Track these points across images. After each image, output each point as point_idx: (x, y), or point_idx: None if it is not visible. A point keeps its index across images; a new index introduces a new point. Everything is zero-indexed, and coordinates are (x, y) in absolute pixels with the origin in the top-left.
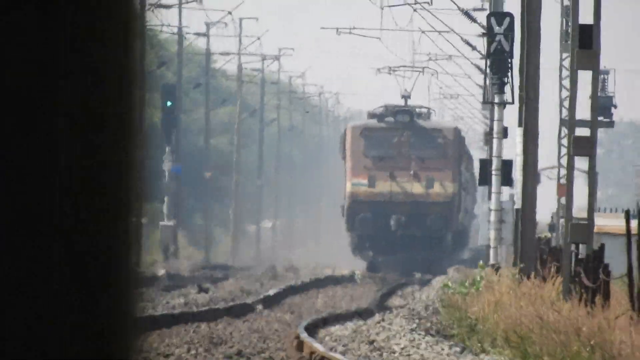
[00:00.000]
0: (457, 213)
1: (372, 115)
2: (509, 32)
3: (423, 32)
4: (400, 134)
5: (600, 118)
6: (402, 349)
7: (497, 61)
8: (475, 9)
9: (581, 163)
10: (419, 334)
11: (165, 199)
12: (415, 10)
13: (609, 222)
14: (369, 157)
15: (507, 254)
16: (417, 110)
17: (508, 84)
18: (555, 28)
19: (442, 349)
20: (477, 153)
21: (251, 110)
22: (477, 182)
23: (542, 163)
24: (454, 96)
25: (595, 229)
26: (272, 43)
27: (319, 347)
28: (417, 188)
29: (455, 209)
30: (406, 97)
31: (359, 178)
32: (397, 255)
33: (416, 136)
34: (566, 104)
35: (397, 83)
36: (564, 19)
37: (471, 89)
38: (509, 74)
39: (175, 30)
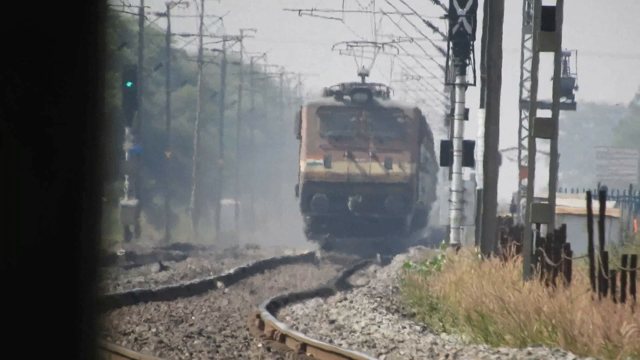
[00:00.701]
0: (416, 194)
1: (328, 93)
2: (471, 14)
3: (385, 13)
4: (358, 113)
5: (562, 100)
6: (363, 327)
7: (459, 43)
8: None
9: (542, 144)
10: (380, 313)
11: (126, 179)
12: None
13: (570, 202)
14: (325, 136)
15: (468, 234)
16: (376, 88)
17: (470, 66)
18: (517, 9)
19: (403, 328)
20: (439, 135)
21: (212, 94)
22: (439, 162)
23: (503, 144)
24: (416, 78)
25: (557, 210)
26: (234, 24)
27: (280, 326)
28: (375, 168)
29: (414, 189)
30: (364, 74)
31: (315, 157)
32: (354, 238)
33: (374, 116)
34: (527, 85)
35: (355, 61)
36: (526, 1)
37: (433, 71)
38: (471, 56)
39: (136, 10)
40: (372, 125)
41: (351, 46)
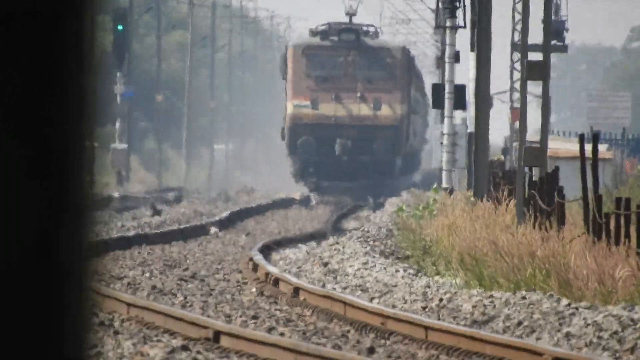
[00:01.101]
0: (407, 136)
1: (314, 33)
2: None
3: None
4: (345, 53)
5: (553, 42)
6: (356, 271)
7: None
8: None
9: (534, 87)
10: (373, 257)
11: (118, 122)
12: None
13: (562, 145)
14: (312, 77)
15: (460, 177)
16: (364, 28)
17: (460, 9)
18: None
19: (397, 271)
20: (430, 78)
21: (203, 37)
22: (430, 104)
23: (494, 87)
24: (406, 21)
25: (549, 153)
26: None
27: (273, 270)
28: (363, 110)
29: (404, 132)
30: (351, 14)
31: (301, 99)
32: (342, 182)
33: (362, 56)
34: (519, 27)
35: (343, 1)
36: None
37: (423, 14)
38: None
39: None
40: (359, 65)
41: None
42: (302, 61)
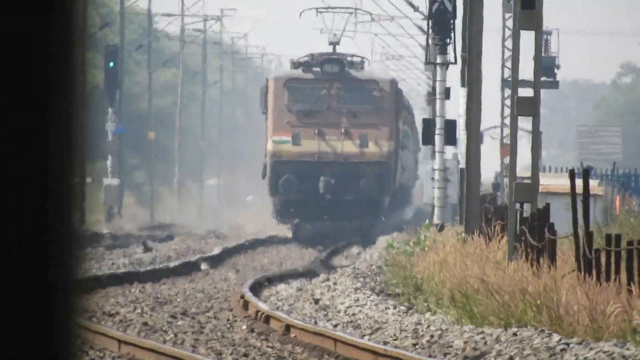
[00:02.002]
0: (395, 173)
1: (296, 64)
2: None
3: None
4: (329, 85)
5: (543, 78)
6: (348, 308)
7: (440, 22)
8: None
9: (525, 123)
10: (364, 294)
11: (109, 159)
12: None
13: (553, 181)
14: (293, 111)
15: (452, 213)
16: (349, 59)
17: (450, 45)
18: None
19: (388, 308)
20: (421, 114)
21: (194, 73)
22: (421, 140)
23: (485, 123)
24: (397, 57)
25: (540, 189)
26: (214, 3)
27: (264, 307)
28: (348, 147)
29: (392, 169)
30: (335, 43)
31: (282, 135)
32: (326, 222)
33: (347, 88)
34: (509, 64)
35: (325, 27)
36: None
37: (414, 50)
38: (452, 35)
39: None
40: (344, 98)
41: (321, 12)
42: (283, 94)
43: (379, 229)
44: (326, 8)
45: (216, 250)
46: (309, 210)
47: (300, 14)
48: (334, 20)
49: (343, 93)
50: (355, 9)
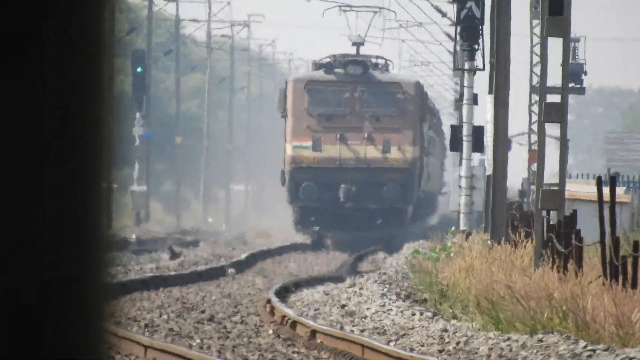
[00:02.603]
0: (419, 181)
1: (317, 66)
2: None
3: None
4: (351, 88)
5: (571, 85)
6: (374, 313)
7: (468, 28)
8: None
9: (552, 129)
10: (390, 299)
11: (136, 164)
12: None
13: (579, 188)
14: (314, 115)
15: (478, 220)
16: (372, 60)
17: (479, 51)
18: None
19: (414, 314)
20: (448, 119)
21: (221, 79)
22: (448, 145)
23: (512, 129)
24: (425, 63)
25: (567, 195)
26: (241, 9)
27: (290, 312)
28: (371, 152)
29: (416, 176)
30: (359, 44)
31: (302, 140)
32: (347, 231)
33: (371, 91)
34: (537, 70)
35: (349, 27)
36: None
37: (441, 56)
38: (480, 41)
39: None
40: (367, 102)
41: (345, 11)
42: (303, 97)
43: (402, 238)
44: (350, 6)
45: (243, 256)
46: (329, 218)
47: (324, 13)
48: (357, 19)
49: (366, 96)
50: (381, 8)
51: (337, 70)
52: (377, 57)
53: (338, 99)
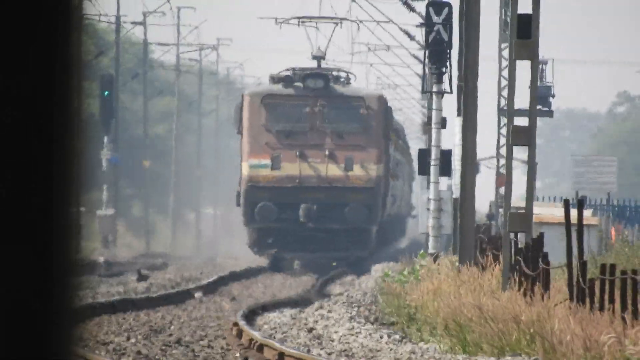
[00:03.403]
0: (384, 201)
1: (276, 80)
2: (447, 22)
3: (361, 21)
4: (311, 102)
5: (539, 107)
6: (342, 337)
7: (436, 51)
8: None
9: (520, 153)
10: (358, 322)
11: (104, 188)
12: (354, 0)
13: (547, 211)
14: (272, 131)
15: (447, 243)
16: (334, 73)
17: (447, 74)
18: (494, 18)
19: (381, 337)
20: (417, 143)
21: (190, 102)
22: (417, 170)
23: (481, 152)
24: (392, 86)
25: (534, 219)
26: (210, 33)
27: (257, 335)
28: (333, 170)
29: (380, 195)
30: (319, 57)
31: (259, 158)
32: (308, 253)
33: (332, 106)
34: (505, 93)
35: (308, 39)
36: (503, 9)
37: (410, 79)
38: (448, 64)
39: (113, 19)
40: (329, 117)
41: (303, 22)
42: (260, 112)
43: (368, 261)
44: (310, 18)
45: (210, 279)
46: (289, 240)
47: (281, 25)
48: (318, 31)
49: (327, 111)
50: (341, 20)
51: (296, 83)
52: (338, 70)
53: (298, 114)
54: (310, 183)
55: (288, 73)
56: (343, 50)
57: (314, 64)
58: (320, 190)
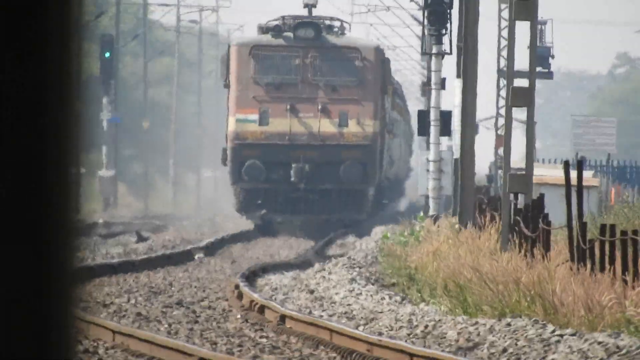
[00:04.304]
0: (381, 159)
1: (264, 29)
2: None
3: None
4: (303, 53)
5: (538, 68)
6: (342, 298)
7: (436, 12)
8: None
9: (520, 113)
10: (359, 284)
11: (104, 149)
12: None
13: (547, 172)
14: (261, 84)
15: (447, 204)
16: (326, 22)
17: (446, 35)
18: None
19: (382, 299)
20: (416, 104)
21: (190, 63)
22: (416, 131)
23: (480, 113)
24: (392, 48)
25: (534, 180)
26: None
27: (258, 297)
28: (326, 126)
29: (377, 153)
30: (310, 5)
31: (247, 112)
32: (300, 215)
33: (324, 57)
34: (504, 54)
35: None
36: None
37: (409, 40)
38: (448, 25)
39: None
40: (321, 69)
41: None
42: (248, 64)
43: (365, 224)
44: None
45: (210, 240)
46: (279, 201)
47: None
48: None
49: (319, 62)
50: None
51: (286, 33)
52: (331, 18)
53: (288, 65)
54: (302, 140)
55: (277, 22)
56: (342, 11)
57: (305, 13)
58: (313, 148)
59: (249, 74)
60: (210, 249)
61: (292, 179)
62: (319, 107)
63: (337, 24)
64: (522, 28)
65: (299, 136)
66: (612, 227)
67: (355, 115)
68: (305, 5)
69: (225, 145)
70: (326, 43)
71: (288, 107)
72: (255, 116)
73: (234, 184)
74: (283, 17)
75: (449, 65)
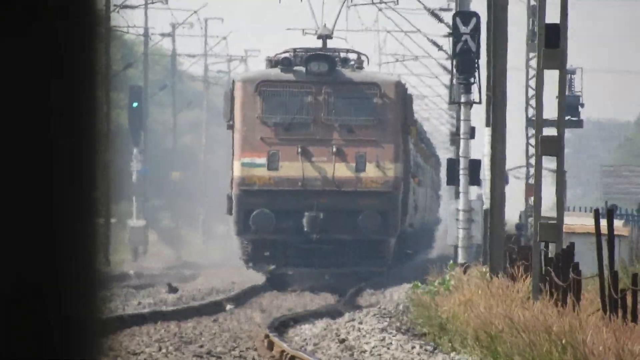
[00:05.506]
0: (404, 206)
1: (273, 63)
2: (475, 32)
3: (389, 32)
4: (316, 90)
5: (567, 117)
6: (373, 348)
7: (464, 61)
8: (441, 9)
9: (549, 162)
10: (390, 333)
11: (134, 199)
12: (380, 10)
13: (577, 221)
14: (269, 124)
15: (477, 254)
16: (342, 55)
17: (475, 84)
18: (521, 28)
19: (413, 348)
20: (445, 154)
21: (218, 113)
22: (445, 178)
23: (509, 162)
24: (420, 97)
25: (564, 228)
26: (238, 44)
27: (288, 347)
28: (341, 170)
29: (399, 200)
30: (324, 36)
31: (254, 155)
32: (313, 269)
33: (340, 93)
34: (533, 103)
35: (313, 16)
36: (530, 19)
37: (437, 89)
38: (476, 74)
39: (141, 31)
40: (336, 107)
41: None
42: (254, 102)
43: (386, 279)
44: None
45: (240, 289)
46: (290, 254)
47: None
48: (323, 12)
49: (334, 100)
50: None
51: (297, 67)
52: (347, 50)
53: (299, 103)
54: (315, 186)
55: (287, 55)
56: (371, 61)
57: (319, 44)
58: (327, 195)
59: (255, 113)
60: (240, 299)
61: (305, 229)
62: (334, 149)
63: (353, 56)
64: (551, 77)
65: (311, 182)
66: None
67: (373, 158)
68: (319, 37)
69: (229, 192)
70: (341, 78)
71: (299, 149)
72: (263, 160)
73: (240, 234)
74: (294, 49)
75: (478, 114)
